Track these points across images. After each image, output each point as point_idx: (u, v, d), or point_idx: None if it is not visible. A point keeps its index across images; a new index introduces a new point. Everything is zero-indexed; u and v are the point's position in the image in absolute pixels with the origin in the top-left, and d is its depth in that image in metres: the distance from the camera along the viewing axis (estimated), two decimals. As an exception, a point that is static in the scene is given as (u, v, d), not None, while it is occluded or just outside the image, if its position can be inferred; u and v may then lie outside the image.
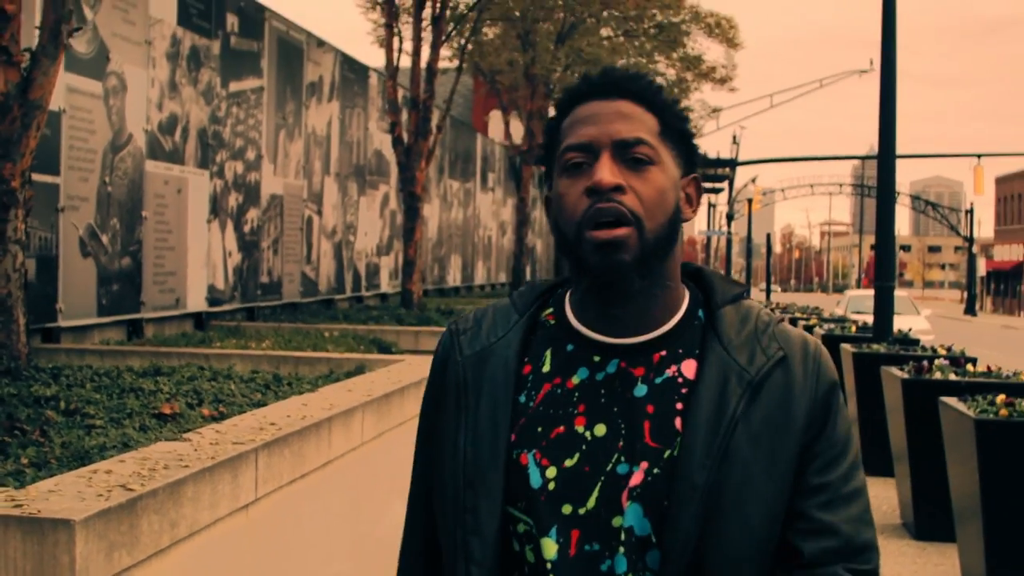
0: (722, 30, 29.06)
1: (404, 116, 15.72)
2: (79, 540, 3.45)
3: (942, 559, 8.88)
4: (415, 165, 15.23)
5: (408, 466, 2.35)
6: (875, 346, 13.27)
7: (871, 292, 14.50)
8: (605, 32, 25.54)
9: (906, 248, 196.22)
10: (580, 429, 2.11)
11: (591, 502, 2.07)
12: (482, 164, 29.27)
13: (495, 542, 2.11)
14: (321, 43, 16.06)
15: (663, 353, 2.14)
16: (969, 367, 10.65)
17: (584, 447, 2.09)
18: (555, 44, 24.00)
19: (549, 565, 2.07)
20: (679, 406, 2.09)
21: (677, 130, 2.16)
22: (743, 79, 77.79)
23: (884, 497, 11.17)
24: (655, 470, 2.05)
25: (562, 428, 2.12)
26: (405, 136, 15.39)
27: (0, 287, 6.26)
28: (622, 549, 2.06)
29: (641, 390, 2.11)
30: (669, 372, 2.13)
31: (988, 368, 10.54)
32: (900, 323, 20.69)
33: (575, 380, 2.15)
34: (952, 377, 9.84)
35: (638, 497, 2.05)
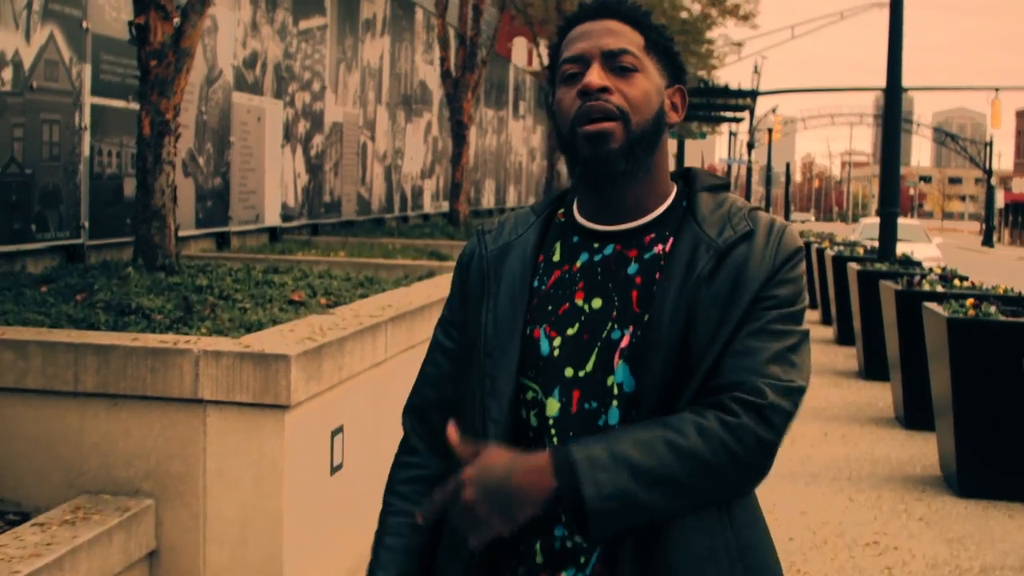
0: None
1: (452, 51, 17.08)
2: (293, 368, 4.96)
3: (924, 444, 10.30)
4: (463, 96, 16.62)
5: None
6: (878, 265, 14.69)
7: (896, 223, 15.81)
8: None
9: (927, 179, 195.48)
10: (580, 303, 2.37)
11: (589, 365, 2.31)
12: (514, 93, 30.55)
13: (510, 403, 2.34)
14: (375, -18, 17.44)
15: (652, 235, 2.38)
16: (956, 282, 12.07)
17: (583, 318, 2.35)
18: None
19: (551, 421, 2.32)
20: (658, 276, 2.32)
21: (661, 45, 2.40)
22: (765, 9, 78.23)
23: (881, 396, 12.60)
24: (638, 332, 2.28)
25: (567, 305, 2.38)
26: (453, 70, 16.78)
27: (156, 199, 7.74)
28: (615, 403, 2.29)
29: (633, 268, 2.35)
30: (656, 249, 2.36)
31: (972, 283, 11.97)
32: (912, 250, 22.03)
33: (579, 263, 2.41)
34: (939, 289, 11.25)
35: (625, 357, 2.29)
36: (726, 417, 2.16)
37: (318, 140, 15.21)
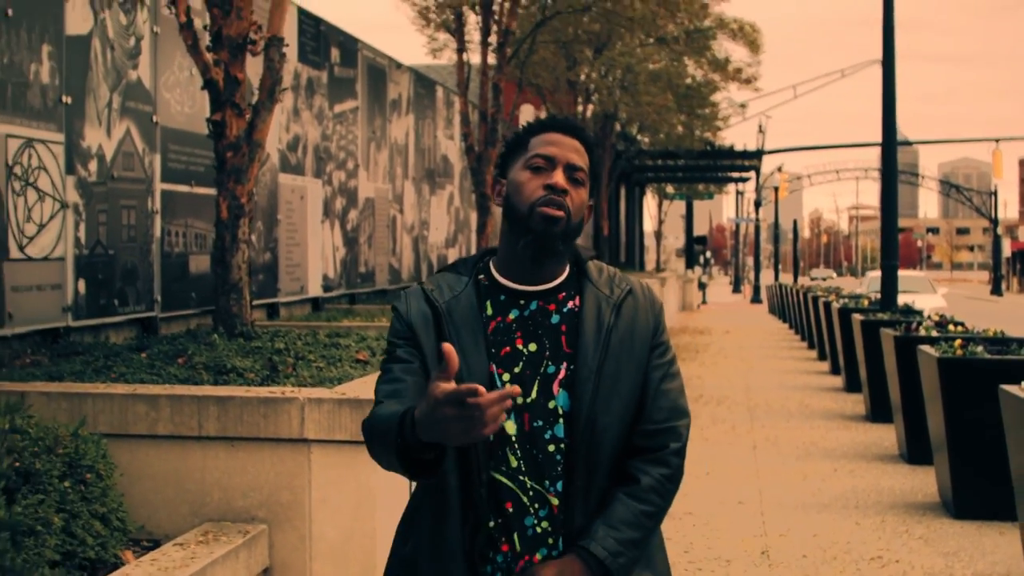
0: (745, 34, 31.41)
1: (474, 126, 18.21)
2: (383, 410, 5.99)
3: (925, 476, 11.23)
4: (485, 169, 17.72)
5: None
6: (880, 315, 15.70)
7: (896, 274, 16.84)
8: (637, 40, 27.84)
9: (934, 231, 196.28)
10: (520, 347, 3.06)
11: (533, 394, 3.03)
12: (527, 162, 31.72)
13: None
14: (399, 65, 18.58)
15: (564, 293, 3.13)
16: (951, 327, 13.06)
17: (524, 358, 3.05)
18: (593, 53, 26.45)
19: (513, 437, 3.01)
20: (577, 324, 3.08)
21: (596, 171, 3.17)
22: (768, 69, 79.24)
23: (886, 437, 13.55)
24: (571, 366, 3.04)
25: (508, 348, 3.06)
26: (476, 145, 17.90)
27: (234, 274, 8.77)
28: (561, 421, 3.02)
29: (556, 318, 3.10)
30: (571, 304, 3.12)
31: (965, 328, 12.96)
32: (918, 301, 22.94)
33: (511, 316, 3.09)
34: (934, 333, 12.24)
35: (564, 385, 3.03)
36: (666, 471, 3.06)
37: (353, 215, 16.29)
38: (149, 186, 10.43)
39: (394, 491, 6.29)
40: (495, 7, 18.24)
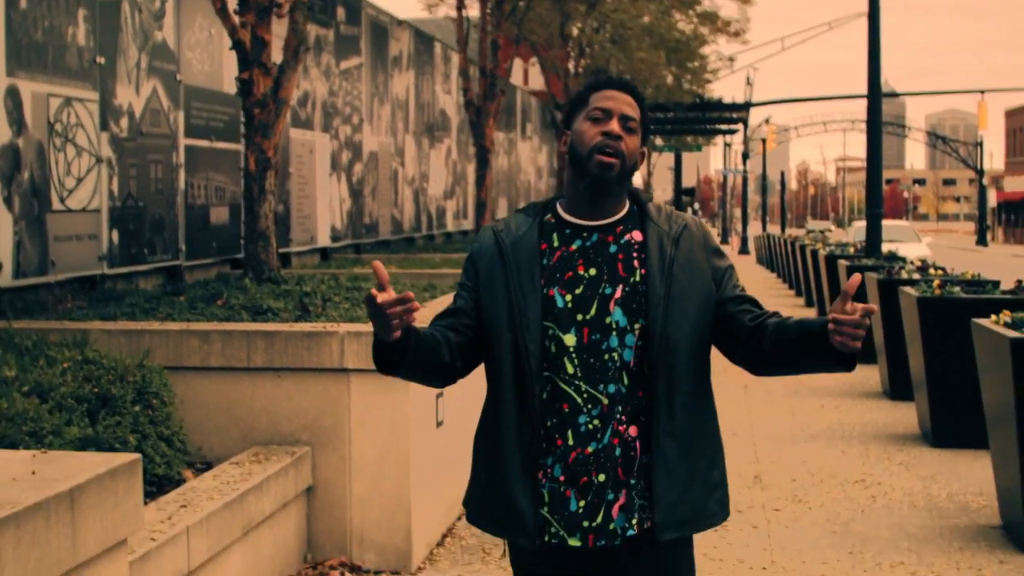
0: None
1: (474, 82, 18.81)
2: (416, 342, 6.65)
3: (907, 411, 11.91)
4: (485, 123, 18.34)
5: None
6: (865, 260, 16.38)
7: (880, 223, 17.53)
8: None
9: (921, 182, 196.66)
10: (581, 272, 3.51)
11: (592, 311, 3.48)
12: (521, 116, 32.29)
13: (538, 338, 3.46)
14: (400, 22, 19.16)
15: (622, 227, 3.57)
16: (932, 271, 13.73)
17: (584, 282, 3.51)
18: (586, 8, 26.95)
19: (571, 349, 3.46)
20: (634, 254, 3.51)
21: (647, 122, 3.62)
22: (756, 22, 79.34)
23: (871, 376, 14.21)
24: (626, 288, 3.48)
25: (570, 273, 3.50)
26: (475, 99, 18.51)
27: (262, 223, 9.40)
28: (613, 334, 3.47)
29: (613, 248, 3.53)
30: (626, 237, 3.55)
31: (945, 271, 13.64)
32: (902, 249, 23.60)
33: (574, 247, 3.54)
34: (915, 277, 12.91)
35: (619, 304, 3.47)
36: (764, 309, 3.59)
37: (358, 168, 16.91)
38: (174, 141, 11.02)
39: (426, 415, 6.96)
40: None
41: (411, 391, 6.71)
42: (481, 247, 3.64)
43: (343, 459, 6.79)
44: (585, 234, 3.56)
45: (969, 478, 9.19)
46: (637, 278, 3.49)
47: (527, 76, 46.60)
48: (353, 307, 8.36)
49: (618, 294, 3.48)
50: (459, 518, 7.84)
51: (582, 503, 3.45)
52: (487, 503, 3.59)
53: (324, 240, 15.47)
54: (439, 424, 7.37)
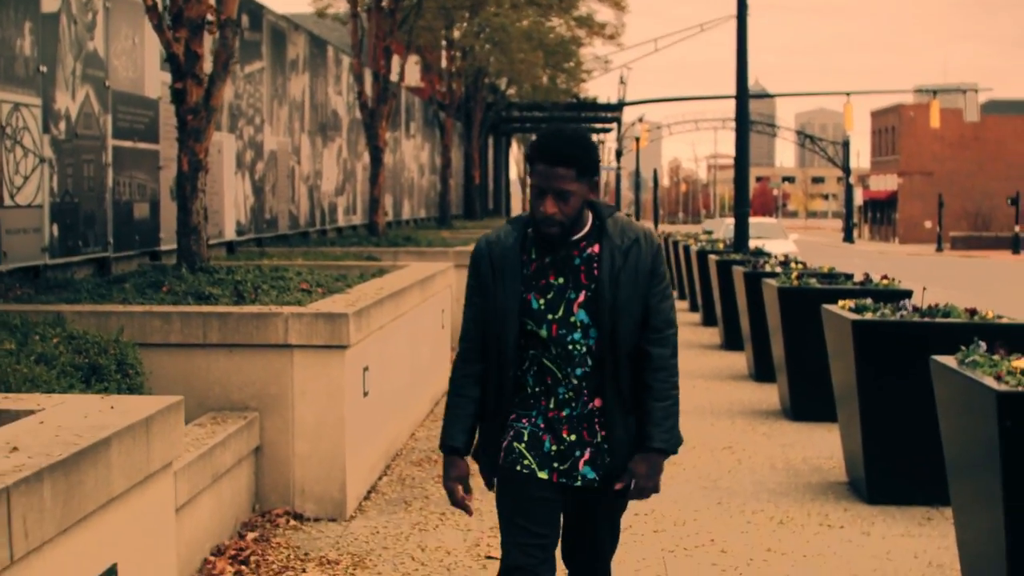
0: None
1: (367, 85, 19.87)
2: (351, 322, 7.75)
3: (771, 391, 13.26)
4: (378, 124, 19.43)
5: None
6: (733, 255, 17.75)
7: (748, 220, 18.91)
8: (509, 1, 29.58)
9: (790, 179, 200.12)
10: (552, 280, 4.40)
11: (560, 312, 4.39)
12: (405, 115, 33.33)
13: (515, 334, 4.39)
14: (297, 27, 20.17)
15: (584, 242, 4.40)
16: (793, 265, 15.08)
17: (554, 288, 4.40)
18: (469, 14, 28.16)
19: (546, 340, 4.39)
20: (594, 264, 4.36)
21: (592, 164, 4.32)
22: (630, 24, 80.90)
23: (739, 362, 15.58)
24: (588, 294, 4.37)
25: (544, 280, 4.38)
26: (369, 103, 19.57)
27: (194, 218, 10.41)
28: (578, 331, 4.39)
29: (576, 260, 4.39)
30: (588, 251, 4.38)
31: (805, 266, 15.00)
32: (769, 245, 25.05)
33: (547, 259, 4.41)
34: (777, 270, 14.26)
35: (583, 306, 4.37)
36: (666, 350, 4.46)
37: (260, 166, 17.89)
38: (103, 142, 11.96)
39: (353, 388, 8.08)
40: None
41: (346, 365, 7.83)
42: (480, 255, 4.51)
43: (287, 423, 7.88)
44: (555, 249, 4.45)
45: (822, 445, 10.52)
46: (595, 286, 4.38)
47: (403, 72, 47.47)
48: (281, 294, 9.40)
49: (581, 298, 4.38)
50: (380, 477, 8.99)
51: (554, 448, 4.45)
52: (487, 443, 4.59)
53: (230, 234, 16.42)
54: (365, 394, 8.49)
